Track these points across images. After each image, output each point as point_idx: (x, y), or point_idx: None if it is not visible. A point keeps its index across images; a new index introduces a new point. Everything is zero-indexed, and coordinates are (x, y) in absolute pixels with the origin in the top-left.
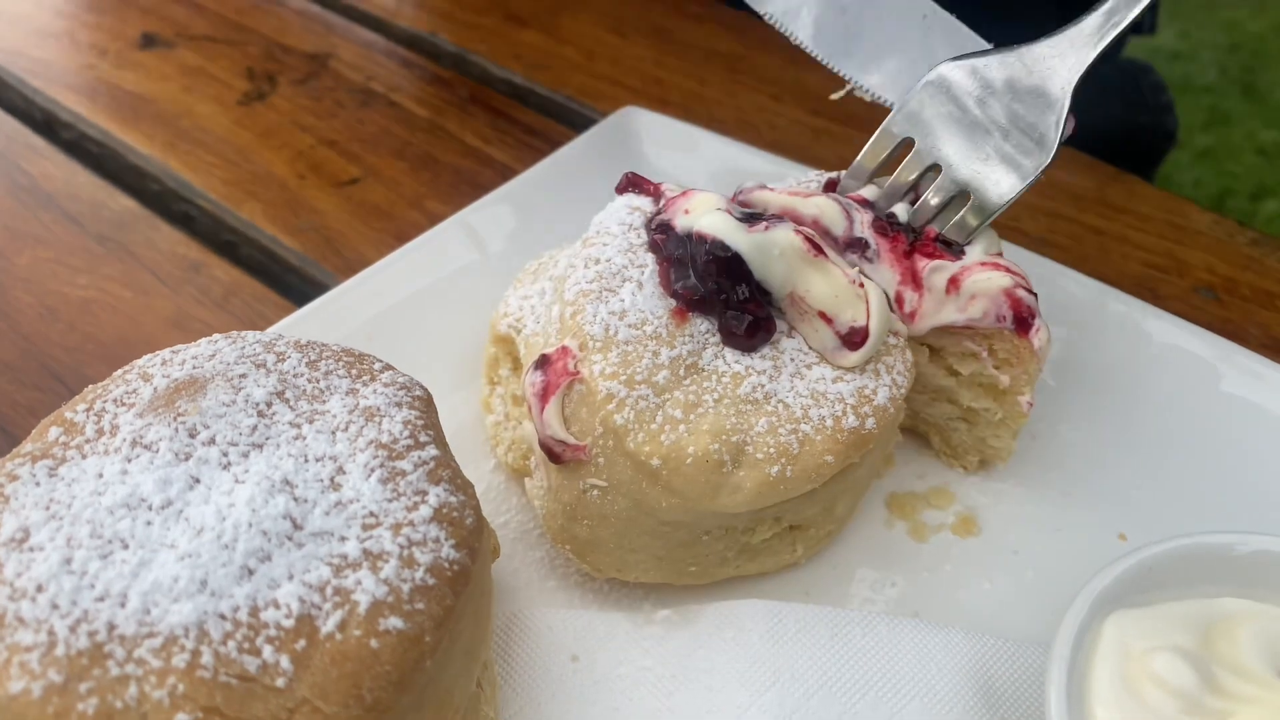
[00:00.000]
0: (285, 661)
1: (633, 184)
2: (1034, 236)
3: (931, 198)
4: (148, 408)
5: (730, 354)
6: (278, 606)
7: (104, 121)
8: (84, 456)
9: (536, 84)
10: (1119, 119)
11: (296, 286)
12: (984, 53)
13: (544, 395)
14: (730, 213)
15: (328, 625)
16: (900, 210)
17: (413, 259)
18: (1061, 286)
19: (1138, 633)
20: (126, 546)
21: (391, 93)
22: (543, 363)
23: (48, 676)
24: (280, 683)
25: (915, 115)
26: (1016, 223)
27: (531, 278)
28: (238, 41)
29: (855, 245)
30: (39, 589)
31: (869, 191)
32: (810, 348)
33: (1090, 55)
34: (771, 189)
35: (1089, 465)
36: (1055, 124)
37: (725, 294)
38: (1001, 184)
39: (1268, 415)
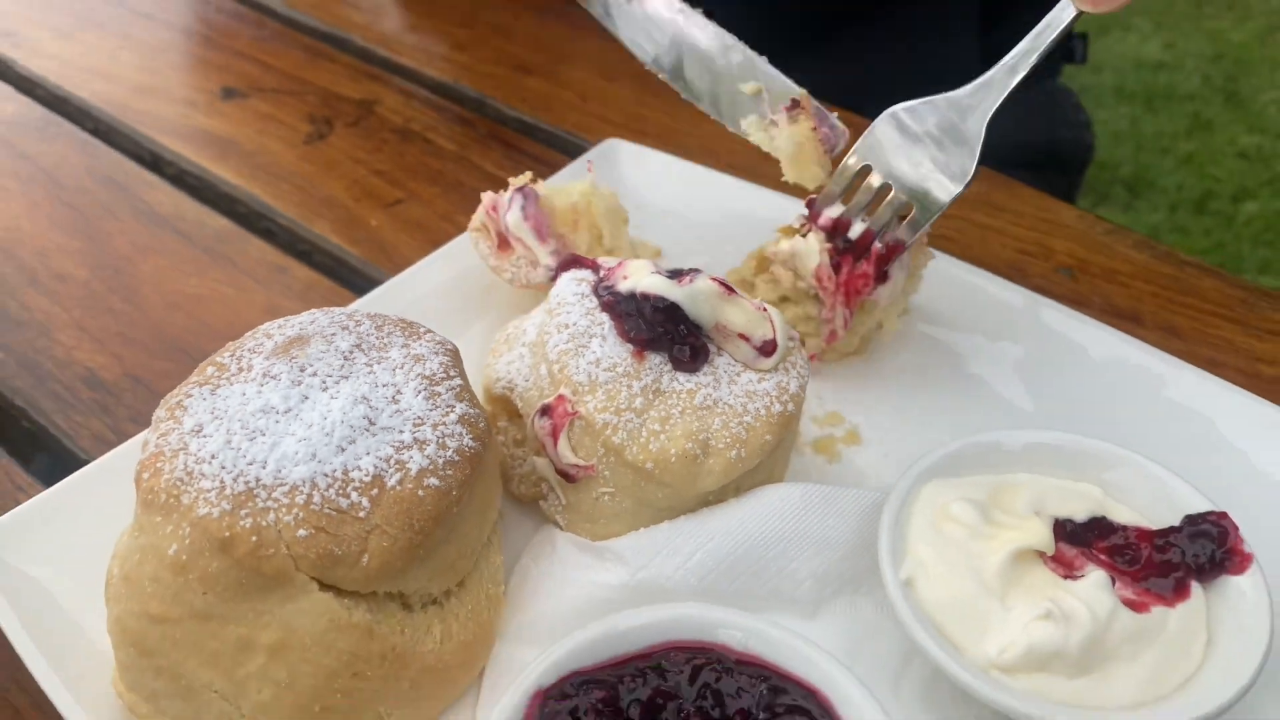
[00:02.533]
0: (365, 502)
1: (574, 262)
2: (930, 232)
3: (885, 209)
4: (271, 354)
5: (681, 376)
6: (360, 469)
7: (198, 158)
8: (231, 384)
9: (540, 121)
10: (1045, 135)
11: (358, 283)
12: (923, 101)
13: (554, 434)
14: (660, 273)
15: (392, 481)
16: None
17: (444, 260)
18: (944, 271)
19: (945, 493)
20: (264, 434)
21: (426, 131)
22: (545, 410)
23: (220, 505)
24: (362, 515)
25: (871, 148)
26: None
27: (506, 346)
28: (299, 92)
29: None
30: (212, 457)
31: (836, 210)
32: (736, 360)
33: (997, 100)
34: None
35: (946, 395)
36: (971, 153)
37: (670, 334)
38: (938, 195)
39: (1083, 353)
